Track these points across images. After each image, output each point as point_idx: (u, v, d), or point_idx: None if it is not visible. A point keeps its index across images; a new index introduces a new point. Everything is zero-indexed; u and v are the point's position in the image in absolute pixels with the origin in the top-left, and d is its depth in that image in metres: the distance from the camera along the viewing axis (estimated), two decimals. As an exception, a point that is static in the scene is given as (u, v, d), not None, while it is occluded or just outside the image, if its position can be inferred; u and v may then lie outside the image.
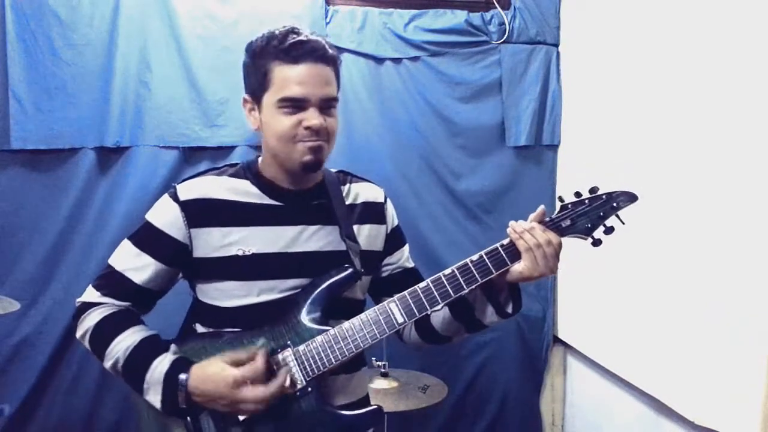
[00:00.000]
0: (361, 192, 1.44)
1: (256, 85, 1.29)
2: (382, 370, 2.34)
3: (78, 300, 1.36)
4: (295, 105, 1.25)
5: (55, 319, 2.43)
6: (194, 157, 2.54)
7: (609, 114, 2.45)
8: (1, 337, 2.40)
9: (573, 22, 2.76)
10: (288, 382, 1.25)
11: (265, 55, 1.26)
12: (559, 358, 2.97)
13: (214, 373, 1.23)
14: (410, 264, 1.52)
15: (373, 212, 1.44)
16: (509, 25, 2.78)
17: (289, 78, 1.24)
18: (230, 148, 2.55)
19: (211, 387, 1.22)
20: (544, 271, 1.24)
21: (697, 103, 1.95)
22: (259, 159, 1.38)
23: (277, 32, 1.27)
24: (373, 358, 2.37)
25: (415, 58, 2.73)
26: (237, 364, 1.23)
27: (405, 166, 2.74)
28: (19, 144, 2.37)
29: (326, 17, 2.62)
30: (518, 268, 1.25)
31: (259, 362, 1.24)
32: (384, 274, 1.47)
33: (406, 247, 1.52)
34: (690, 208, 1.96)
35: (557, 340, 2.94)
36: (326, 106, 1.27)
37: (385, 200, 1.48)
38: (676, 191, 2.00)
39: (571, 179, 2.79)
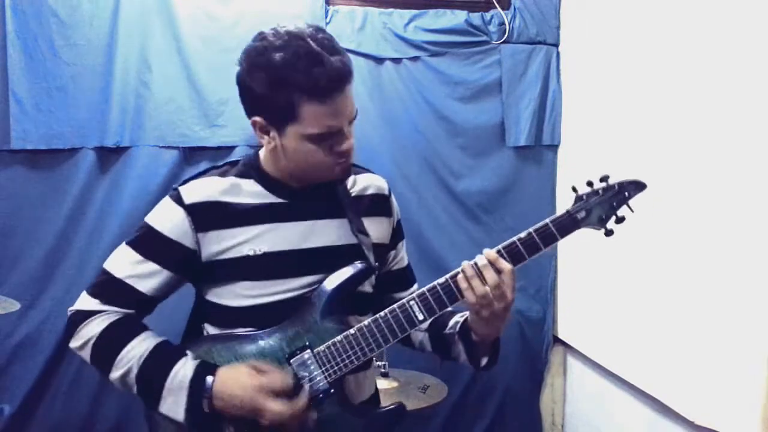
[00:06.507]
0: (366, 183, 1.41)
1: (277, 114, 1.19)
2: (382, 370, 2.33)
3: (71, 309, 1.29)
4: (327, 137, 1.20)
5: (55, 319, 2.43)
6: (194, 157, 2.54)
7: (609, 114, 2.45)
8: (1, 337, 2.41)
9: (573, 22, 2.76)
10: (308, 402, 1.22)
11: (289, 86, 1.15)
12: (559, 358, 2.97)
13: (241, 375, 1.20)
14: (406, 258, 1.53)
15: (380, 205, 1.42)
16: (509, 25, 2.78)
17: (322, 115, 1.17)
18: (230, 148, 2.54)
19: (236, 388, 1.19)
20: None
21: (697, 102, 1.95)
22: (260, 155, 1.33)
23: (290, 54, 1.14)
24: (373, 358, 2.37)
25: (415, 58, 2.73)
26: (261, 372, 1.21)
27: (405, 166, 2.74)
28: (19, 144, 2.37)
29: (326, 17, 2.62)
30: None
31: (288, 377, 1.22)
32: (384, 269, 1.46)
33: (404, 242, 1.52)
34: (690, 208, 1.96)
35: (557, 340, 2.94)
36: (351, 122, 1.24)
37: (389, 192, 1.46)
38: (677, 191, 2.00)
39: (571, 179, 2.76)
